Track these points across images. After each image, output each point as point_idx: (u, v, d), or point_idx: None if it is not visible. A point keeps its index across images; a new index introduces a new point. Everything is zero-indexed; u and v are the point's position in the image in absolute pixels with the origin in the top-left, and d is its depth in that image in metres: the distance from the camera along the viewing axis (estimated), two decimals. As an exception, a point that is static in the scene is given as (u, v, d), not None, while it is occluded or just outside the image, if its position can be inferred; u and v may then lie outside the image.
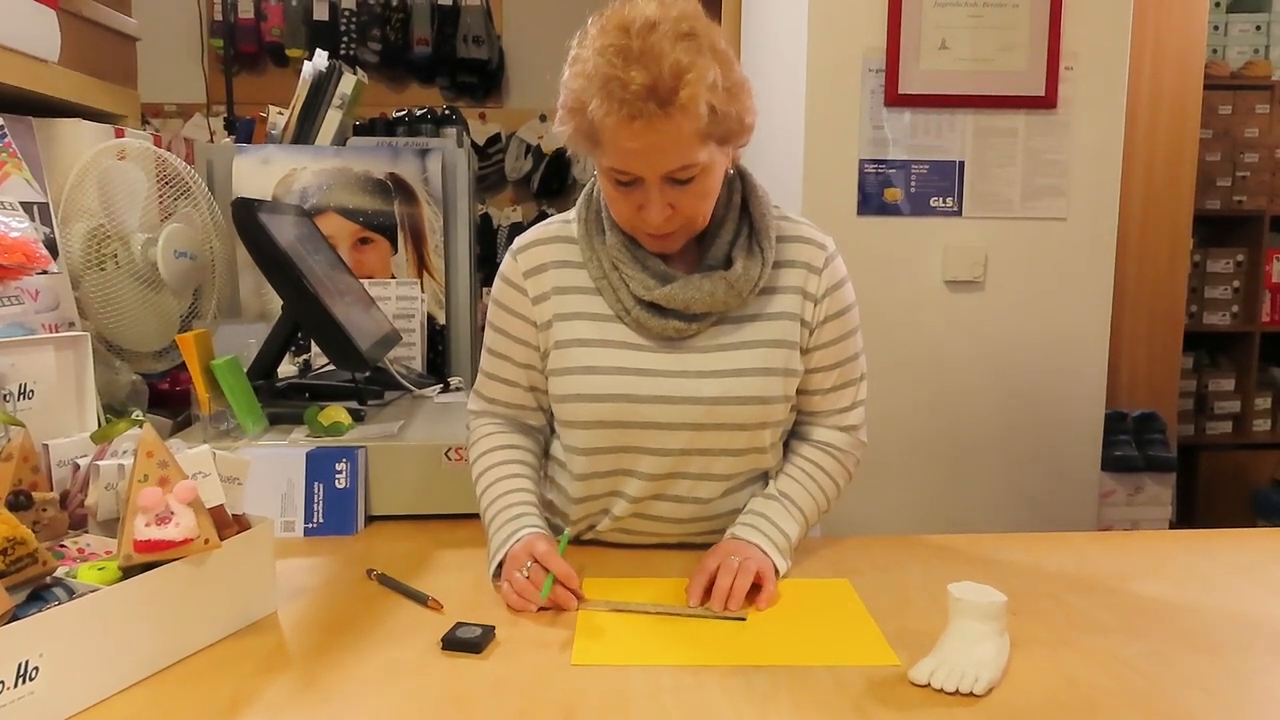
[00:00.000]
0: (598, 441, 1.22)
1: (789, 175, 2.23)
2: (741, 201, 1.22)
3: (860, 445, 1.31)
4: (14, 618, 0.83)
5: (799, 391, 1.25)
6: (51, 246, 1.37)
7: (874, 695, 0.90)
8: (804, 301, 1.22)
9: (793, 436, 1.30)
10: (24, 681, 0.81)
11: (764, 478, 1.27)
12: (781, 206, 1.26)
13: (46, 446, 1.09)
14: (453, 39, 4.58)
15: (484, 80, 4.71)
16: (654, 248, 1.18)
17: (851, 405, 1.29)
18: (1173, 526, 3.27)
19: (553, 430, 1.31)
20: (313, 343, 1.86)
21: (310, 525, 1.36)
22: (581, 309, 1.22)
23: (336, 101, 2.10)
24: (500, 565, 1.15)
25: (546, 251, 1.24)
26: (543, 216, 4.70)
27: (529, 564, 1.09)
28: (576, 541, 1.31)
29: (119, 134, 1.65)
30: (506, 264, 1.26)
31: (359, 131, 3.95)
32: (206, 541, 0.97)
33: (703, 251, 1.21)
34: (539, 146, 4.74)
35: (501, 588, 1.13)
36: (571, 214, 1.26)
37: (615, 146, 1.07)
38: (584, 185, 1.24)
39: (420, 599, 1.11)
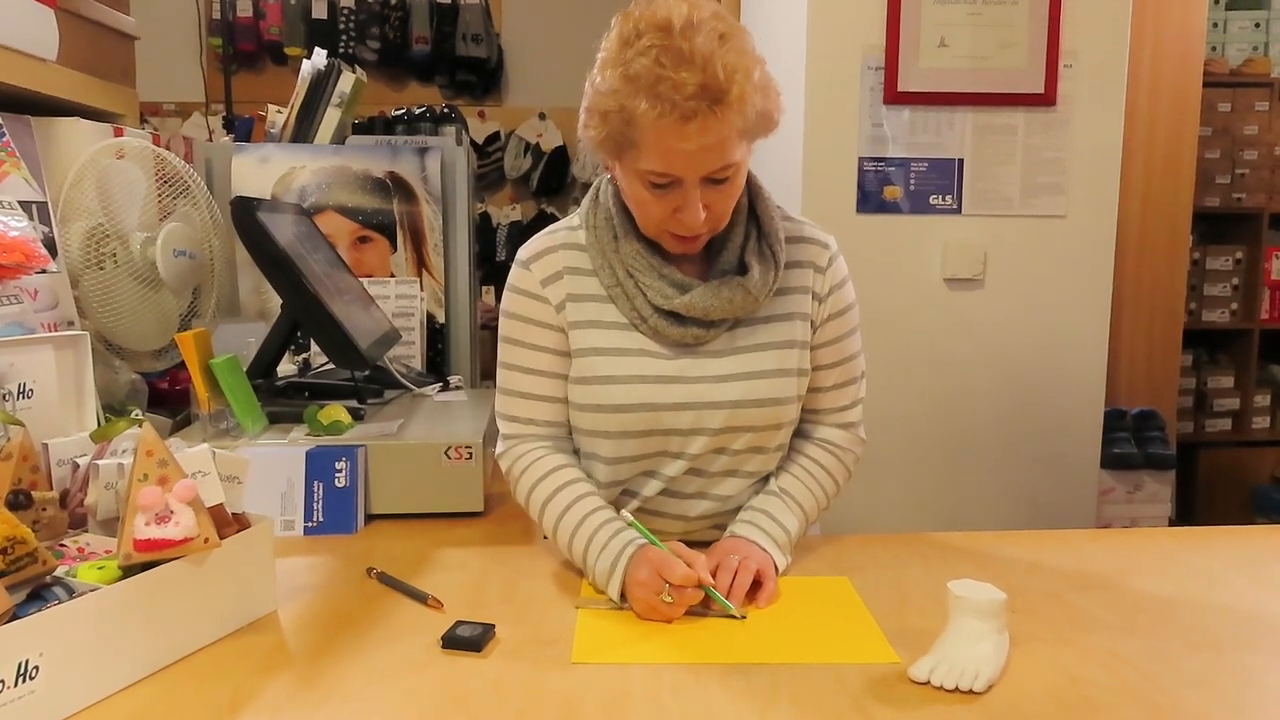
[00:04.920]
0: (621, 451, 1.21)
1: (789, 173, 2.22)
2: (748, 204, 1.22)
3: (859, 442, 1.31)
4: (14, 617, 0.83)
5: None
6: (50, 246, 1.37)
7: (874, 693, 0.90)
8: (811, 300, 1.23)
9: (794, 434, 1.30)
10: (24, 681, 0.81)
11: (769, 476, 1.27)
12: (783, 206, 1.26)
13: (46, 446, 1.09)
14: (451, 37, 4.58)
15: (483, 78, 4.71)
16: (679, 249, 1.17)
17: (851, 403, 1.29)
18: (1172, 524, 3.28)
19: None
20: (312, 341, 1.86)
21: (310, 524, 1.36)
22: (595, 317, 1.20)
23: (335, 100, 2.10)
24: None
25: (557, 259, 1.22)
26: (542, 214, 4.73)
27: (667, 590, 1.04)
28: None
29: (118, 133, 1.65)
30: (519, 276, 1.23)
31: (358, 130, 3.95)
32: (206, 540, 0.97)
33: (713, 256, 1.20)
34: (538, 145, 4.74)
35: (636, 608, 1.07)
36: (576, 219, 1.25)
37: (661, 149, 1.06)
38: (583, 183, 1.23)
39: (420, 597, 1.11)
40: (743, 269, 1.19)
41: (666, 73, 1.01)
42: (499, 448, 1.26)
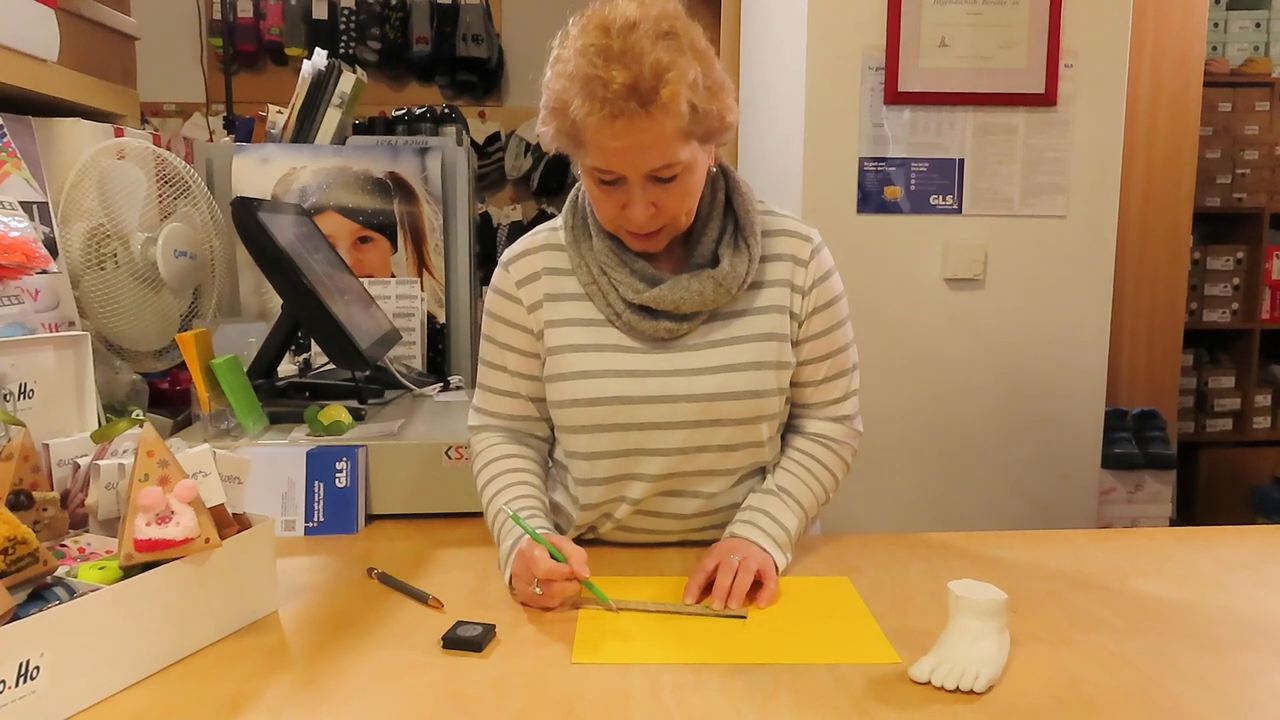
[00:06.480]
0: (597, 445, 1.22)
1: (789, 174, 2.23)
2: (725, 199, 1.22)
3: (856, 435, 1.31)
4: (15, 617, 0.83)
5: (792, 384, 1.25)
6: (51, 246, 1.37)
7: (874, 693, 0.90)
8: (792, 294, 1.23)
9: (787, 430, 1.30)
10: (25, 681, 0.81)
11: (762, 472, 1.28)
12: (767, 201, 1.27)
13: (47, 446, 1.10)
14: (452, 37, 4.58)
15: (483, 79, 4.71)
16: (637, 247, 1.18)
17: (844, 395, 1.29)
18: (1173, 524, 3.28)
19: (554, 438, 1.31)
20: (312, 342, 1.86)
21: (311, 524, 1.36)
22: (573, 315, 1.22)
23: (336, 100, 2.10)
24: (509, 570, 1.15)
25: (537, 260, 1.25)
26: (542, 215, 4.74)
27: (536, 585, 1.07)
28: (578, 542, 1.31)
29: (118, 133, 1.65)
30: (498, 276, 1.26)
31: (358, 130, 3.96)
32: (207, 541, 0.97)
33: (689, 250, 1.21)
34: (538, 145, 4.73)
35: (515, 596, 1.13)
36: (558, 221, 1.27)
37: (598, 146, 1.08)
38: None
39: (421, 598, 1.11)
40: (716, 263, 1.20)
41: (598, 71, 1.03)
42: (469, 439, 1.33)
